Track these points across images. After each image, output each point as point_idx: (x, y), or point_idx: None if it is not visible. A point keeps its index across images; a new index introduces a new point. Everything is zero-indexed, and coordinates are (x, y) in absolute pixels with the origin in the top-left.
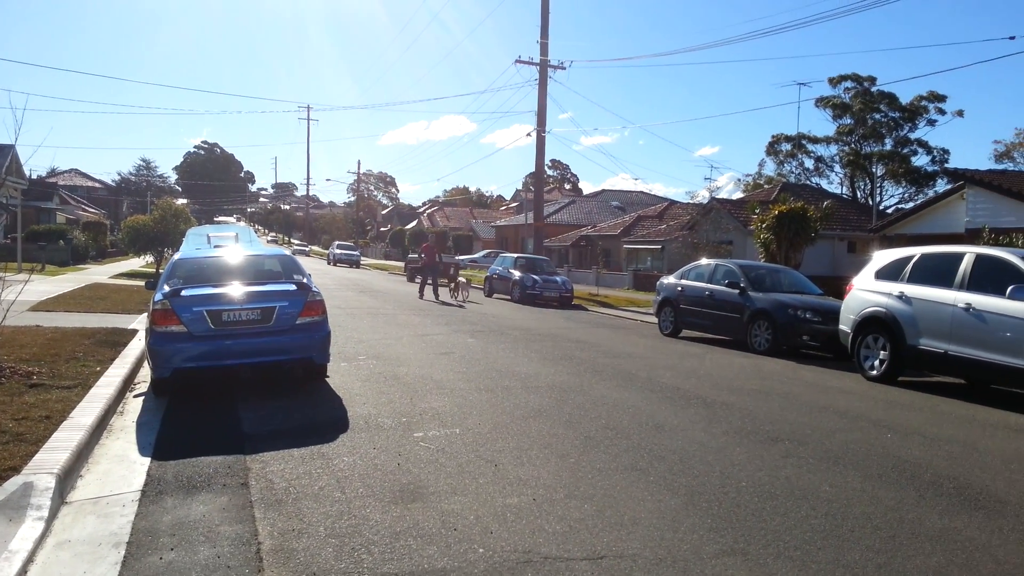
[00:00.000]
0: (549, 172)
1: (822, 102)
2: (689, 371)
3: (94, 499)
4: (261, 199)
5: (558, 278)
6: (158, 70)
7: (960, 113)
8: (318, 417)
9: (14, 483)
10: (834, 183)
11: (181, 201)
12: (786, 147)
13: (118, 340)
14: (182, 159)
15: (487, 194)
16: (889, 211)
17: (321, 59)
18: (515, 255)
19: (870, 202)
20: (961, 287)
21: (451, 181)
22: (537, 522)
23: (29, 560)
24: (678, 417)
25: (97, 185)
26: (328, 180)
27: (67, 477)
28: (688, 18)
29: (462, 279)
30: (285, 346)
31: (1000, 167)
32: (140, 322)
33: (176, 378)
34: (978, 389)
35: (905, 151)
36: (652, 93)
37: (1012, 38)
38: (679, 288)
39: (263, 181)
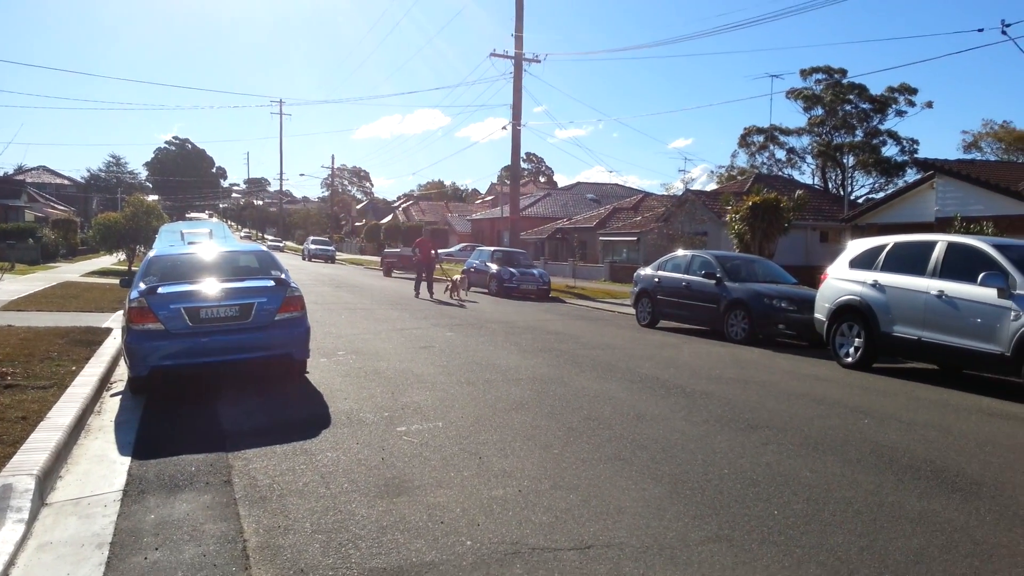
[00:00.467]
0: (524, 165)
1: (793, 94)
2: (668, 361)
3: (75, 500)
4: (234, 195)
5: (535, 271)
6: (128, 65)
7: (929, 104)
8: (299, 413)
9: None
10: (806, 174)
11: (152, 197)
12: (758, 139)
13: (93, 339)
14: (152, 155)
15: (462, 188)
16: (860, 201)
17: (294, 53)
18: (492, 249)
19: (841, 192)
20: (934, 275)
21: (426, 175)
22: (524, 513)
23: (10, 563)
24: (659, 407)
25: (66, 182)
26: (302, 175)
27: (47, 478)
28: (663, 11)
29: (457, 277)
30: (264, 342)
31: (968, 157)
32: (114, 320)
33: (154, 376)
34: (950, 374)
35: (875, 142)
36: (626, 86)
37: (980, 30)
38: (656, 279)
39: (235, 177)
